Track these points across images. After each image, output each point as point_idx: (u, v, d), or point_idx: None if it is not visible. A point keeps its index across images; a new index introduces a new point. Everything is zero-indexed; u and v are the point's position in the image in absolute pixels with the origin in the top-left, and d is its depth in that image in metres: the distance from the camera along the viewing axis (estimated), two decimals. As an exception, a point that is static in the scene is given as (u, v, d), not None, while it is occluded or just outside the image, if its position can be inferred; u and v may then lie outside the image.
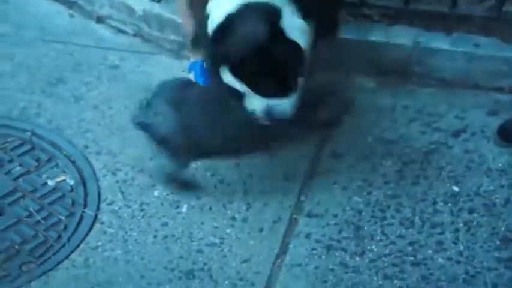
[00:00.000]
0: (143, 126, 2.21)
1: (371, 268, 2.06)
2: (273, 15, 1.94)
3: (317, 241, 2.15)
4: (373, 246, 2.12)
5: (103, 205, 2.31)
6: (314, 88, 2.14)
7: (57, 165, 2.44)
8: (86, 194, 2.35)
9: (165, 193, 2.32)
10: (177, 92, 2.21)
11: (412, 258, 2.08)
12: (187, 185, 2.33)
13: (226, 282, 2.06)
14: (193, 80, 2.42)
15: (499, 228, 2.14)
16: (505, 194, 2.23)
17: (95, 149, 2.49)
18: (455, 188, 2.26)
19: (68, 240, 2.21)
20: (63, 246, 2.20)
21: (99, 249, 2.18)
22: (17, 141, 2.52)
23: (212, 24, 1.98)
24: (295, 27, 1.95)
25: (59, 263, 2.15)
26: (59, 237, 2.22)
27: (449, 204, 2.22)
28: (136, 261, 2.13)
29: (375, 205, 2.23)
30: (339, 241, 2.15)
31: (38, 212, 2.29)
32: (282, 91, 1.97)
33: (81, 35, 3.01)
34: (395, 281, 2.03)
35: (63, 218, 2.28)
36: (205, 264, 2.11)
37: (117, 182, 2.37)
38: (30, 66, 2.84)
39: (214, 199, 2.30)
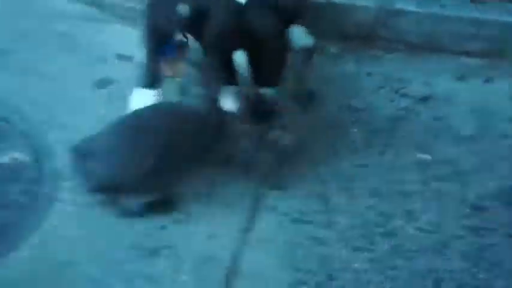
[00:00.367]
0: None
1: (340, 240, 2.02)
2: None
3: (284, 214, 2.10)
4: (341, 218, 2.08)
5: (60, 182, 2.21)
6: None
7: (9, 141, 2.33)
8: (41, 171, 2.25)
9: (125, 168, 2.22)
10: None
11: (381, 230, 2.04)
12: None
13: (192, 258, 2.00)
14: None
15: (468, 195, 2.12)
16: (473, 161, 2.21)
17: (49, 123, 2.39)
18: (424, 156, 2.22)
19: (25, 220, 2.11)
20: (20, 226, 2.10)
21: (58, 229, 2.08)
22: (-35, 117, 2.40)
23: None
24: None
25: (17, 244, 2.04)
26: (15, 217, 2.12)
27: (418, 173, 2.18)
28: (97, 239, 2.05)
29: (341, 176, 2.18)
30: (306, 213, 2.10)
31: (-9, 192, 2.18)
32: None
33: (30, 1, 2.87)
34: (365, 253, 1.98)
35: (18, 197, 2.17)
36: (169, 241, 2.04)
37: (74, 157, 2.27)
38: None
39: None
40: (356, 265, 1.95)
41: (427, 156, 2.22)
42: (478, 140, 2.27)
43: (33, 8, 2.85)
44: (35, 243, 2.04)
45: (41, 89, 2.49)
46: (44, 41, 2.69)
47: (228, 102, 1.96)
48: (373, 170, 2.20)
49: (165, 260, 1.99)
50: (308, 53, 1.98)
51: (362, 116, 2.34)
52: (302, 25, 2.10)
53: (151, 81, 2.21)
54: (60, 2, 2.87)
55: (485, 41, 2.51)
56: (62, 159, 2.26)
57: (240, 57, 1.86)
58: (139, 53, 2.35)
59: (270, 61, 1.93)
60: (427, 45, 2.53)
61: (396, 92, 2.42)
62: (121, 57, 2.62)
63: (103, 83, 2.52)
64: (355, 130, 2.30)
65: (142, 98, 2.20)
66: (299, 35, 2.04)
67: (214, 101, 1.99)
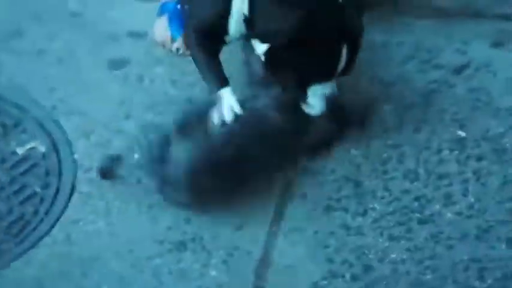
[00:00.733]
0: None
1: (375, 229, 1.92)
2: None
3: (314, 202, 2.00)
4: (376, 204, 1.97)
5: (80, 173, 2.13)
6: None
7: (25, 131, 2.24)
8: (59, 162, 2.17)
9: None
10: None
11: (418, 215, 1.93)
12: None
13: (221, 252, 1.91)
14: None
15: (510, 176, 1.99)
16: (515, 137, 2.08)
17: (64, 109, 2.29)
18: (461, 133, 2.10)
19: (46, 214, 2.04)
20: (41, 221, 2.03)
21: (81, 223, 2.01)
22: (-24, 106, 2.31)
23: None
24: None
25: (39, 239, 1.98)
26: (36, 211, 2.05)
27: (456, 152, 2.05)
28: (122, 234, 1.97)
29: (374, 157, 2.07)
30: (338, 200, 1.99)
31: (10, 184, 2.11)
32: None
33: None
34: (402, 242, 1.88)
35: (38, 189, 2.10)
36: (195, 234, 1.95)
37: (92, 145, 2.18)
38: (-19, 20, 2.58)
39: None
40: (393, 255, 1.86)
41: (465, 134, 2.09)
42: (520, 112, 2.13)
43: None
44: (58, 239, 1.98)
45: (55, 73, 2.39)
46: (55, 21, 2.56)
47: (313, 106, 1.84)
48: (408, 150, 2.08)
49: (193, 254, 1.91)
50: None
51: (393, 91, 2.20)
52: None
53: (223, 82, 2.01)
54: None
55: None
56: (78, 147, 2.18)
57: None
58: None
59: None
60: (460, 10, 2.37)
61: (427, 62, 2.27)
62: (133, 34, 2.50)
63: (117, 64, 2.41)
64: (386, 106, 2.17)
65: (226, 103, 1.99)
66: None
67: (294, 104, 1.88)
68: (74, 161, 2.16)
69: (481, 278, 1.80)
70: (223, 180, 1.92)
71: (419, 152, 2.07)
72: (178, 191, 1.95)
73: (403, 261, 1.85)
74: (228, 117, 1.93)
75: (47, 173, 2.14)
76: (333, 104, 1.86)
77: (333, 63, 1.76)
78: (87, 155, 2.16)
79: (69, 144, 2.20)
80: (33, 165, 2.16)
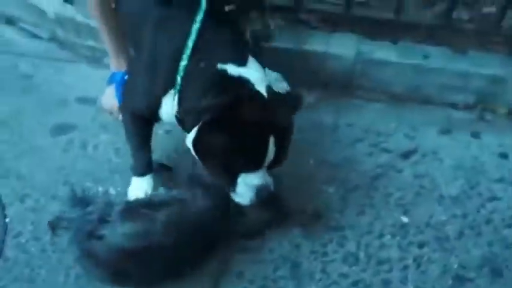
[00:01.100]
0: None
1: (310, 313, 1.84)
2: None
3: (250, 281, 1.91)
4: (313, 287, 1.90)
5: (9, 238, 2.03)
6: None
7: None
8: (-8, 226, 2.06)
9: (79, 224, 2.04)
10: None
11: (355, 302, 1.86)
12: None
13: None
14: None
15: (451, 265, 1.94)
16: (458, 225, 2.04)
17: (1, 171, 2.21)
18: (404, 219, 2.06)
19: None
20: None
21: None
22: None
23: None
24: None
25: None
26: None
27: (398, 238, 2.01)
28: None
29: (315, 239, 2.01)
30: (274, 280, 1.91)
31: None
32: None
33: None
34: (337, 328, 1.80)
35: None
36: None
37: (26, 210, 2.10)
38: None
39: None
40: None
41: (408, 219, 2.04)
42: (463, 201, 2.10)
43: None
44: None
45: (-4, 137, 2.33)
46: (5, 83, 2.53)
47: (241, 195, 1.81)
48: (349, 233, 2.02)
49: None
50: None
51: (339, 173, 2.17)
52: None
53: (145, 169, 2.09)
54: (19, 39, 2.73)
55: (472, 93, 2.36)
56: (11, 211, 2.08)
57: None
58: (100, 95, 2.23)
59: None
60: (411, 96, 2.38)
61: (376, 145, 2.25)
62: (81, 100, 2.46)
63: (63, 129, 2.35)
64: (331, 189, 2.13)
65: (140, 187, 2.08)
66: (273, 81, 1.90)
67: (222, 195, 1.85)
68: (5, 225, 2.06)
69: None
70: (150, 266, 1.85)
71: (360, 236, 2.01)
72: (101, 268, 1.87)
73: None
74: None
75: (-22, 237, 2.03)
76: (266, 194, 1.81)
77: (259, 154, 1.74)
78: (19, 220, 2.07)
79: (2, 207, 2.10)
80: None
